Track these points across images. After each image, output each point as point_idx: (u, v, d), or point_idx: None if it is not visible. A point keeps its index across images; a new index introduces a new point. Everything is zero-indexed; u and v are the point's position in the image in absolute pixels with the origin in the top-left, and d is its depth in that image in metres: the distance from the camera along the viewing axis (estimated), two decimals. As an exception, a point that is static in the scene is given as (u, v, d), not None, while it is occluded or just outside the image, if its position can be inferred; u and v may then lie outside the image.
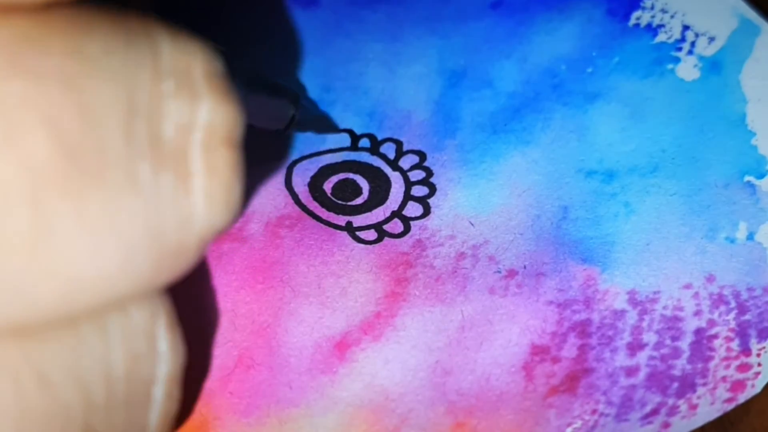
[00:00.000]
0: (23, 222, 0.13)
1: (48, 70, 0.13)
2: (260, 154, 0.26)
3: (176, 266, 0.15)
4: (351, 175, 0.26)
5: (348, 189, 0.26)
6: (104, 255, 0.13)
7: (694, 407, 0.21)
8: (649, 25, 0.28)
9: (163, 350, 0.17)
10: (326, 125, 0.26)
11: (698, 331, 0.22)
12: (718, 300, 0.23)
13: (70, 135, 0.13)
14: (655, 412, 0.21)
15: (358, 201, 0.25)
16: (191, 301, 0.23)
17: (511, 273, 0.24)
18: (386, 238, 0.25)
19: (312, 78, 0.28)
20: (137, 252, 0.14)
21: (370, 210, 0.25)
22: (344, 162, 0.26)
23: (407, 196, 0.25)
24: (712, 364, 0.22)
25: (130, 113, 0.13)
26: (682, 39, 0.27)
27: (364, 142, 0.26)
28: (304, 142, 0.26)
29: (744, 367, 0.22)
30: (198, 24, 0.29)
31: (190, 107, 0.14)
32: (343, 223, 0.25)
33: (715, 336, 0.22)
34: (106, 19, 0.13)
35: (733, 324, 0.22)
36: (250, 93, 0.23)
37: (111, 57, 0.13)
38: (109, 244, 0.13)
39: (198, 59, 0.14)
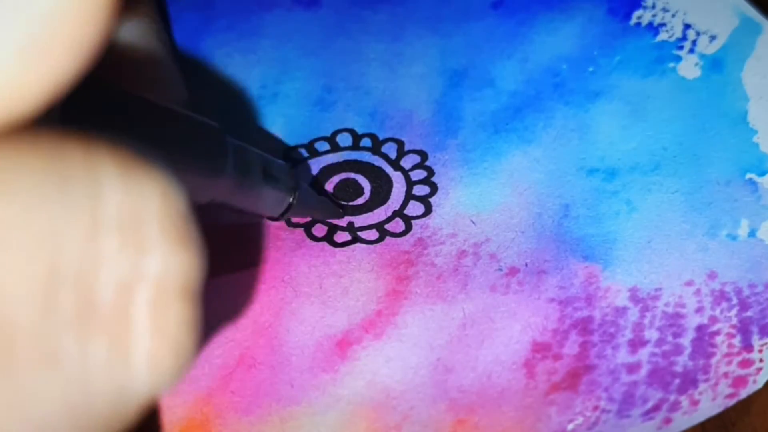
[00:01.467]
0: None
1: None
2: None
3: (113, 429, 0.13)
4: (352, 175, 0.26)
5: (349, 189, 0.26)
6: None
7: (695, 403, 0.21)
8: (650, 24, 0.28)
9: None
10: (324, 211, 0.25)
11: (700, 328, 0.22)
12: (720, 297, 0.23)
13: None
14: (656, 408, 0.21)
15: (360, 201, 0.25)
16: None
17: (513, 271, 0.24)
18: (388, 237, 0.25)
19: (314, 78, 0.28)
20: (54, 430, 0.12)
21: (371, 210, 0.25)
22: (346, 162, 0.26)
23: (409, 196, 0.25)
24: (713, 361, 0.22)
25: (52, 285, 0.11)
26: (684, 38, 0.27)
27: (366, 142, 0.26)
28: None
29: (746, 363, 0.22)
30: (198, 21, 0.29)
31: (136, 261, 0.12)
32: (344, 223, 0.25)
33: (717, 332, 0.22)
34: (36, 158, 0.11)
35: (734, 320, 0.22)
36: (247, 180, 0.22)
37: (32, 218, 0.11)
38: (16, 428, 0.12)
39: (154, 201, 0.12)
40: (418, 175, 0.26)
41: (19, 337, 0.11)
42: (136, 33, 0.20)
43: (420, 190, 0.25)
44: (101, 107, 0.16)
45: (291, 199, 0.23)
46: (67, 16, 0.11)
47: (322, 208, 0.25)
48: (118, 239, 0.12)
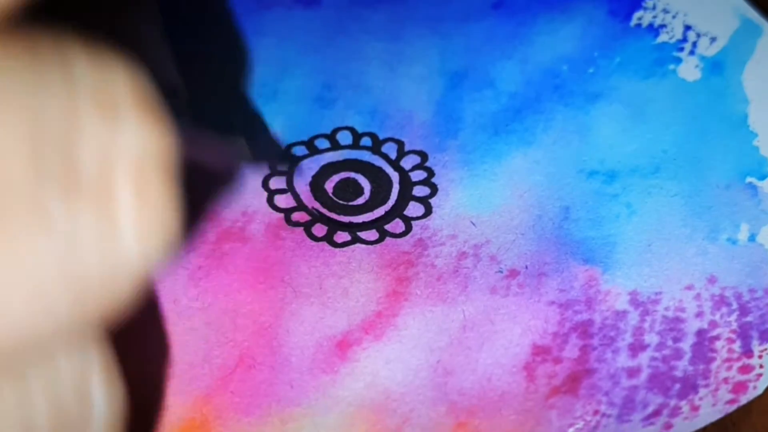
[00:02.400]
0: None
1: None
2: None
3: (108, 305, 0.13)
4: (352, 175, 0.26)
5: (349, 189, 0.26)
6: (10, 300, 0.12)
7: (696, 408, 0.21)
8: (650, 26, 0.28)
9: (98, 399, 0.16)
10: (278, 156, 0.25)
11: (700, 333, 0.22)
12: (720, 301, 0.23)
13: None
14: (657, 413, 0.21)
15: (360, 201, 0.25)
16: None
17: (513, 273, 0.24)
18: (387, 238, 0.25)
19: (314, 76, 0.28)
20: (51, 294, 0.12)
21: (371, 210, 0.25)
22: (346, 161, 0.26)
23: (408, 197, 0.25)
24: (713, 366, 0.22)
25: (37, 147, 0.12)
26: (684, 39, 0.27)
27: (366, 141, 0.26)
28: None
29: (746, 369, 0.22)
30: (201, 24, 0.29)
31: (112, 132, 0.13)
32: (344, 223, 0.25)
33: (717, 337, 0.22)
34: (7, 44, 0.12)
35: (734, 325, 0.22)
36: (199, 132, 0.22)
37: (11, 93, 0.12)
38: (15, 289, 0.12)
39: (121, 78, 0.13)
40: (418, 176, 0.26)
41: (11, 195, 0.12)
42: (129, 14, 0.21)
43: (420, 191, 0.25)
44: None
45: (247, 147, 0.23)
46: None
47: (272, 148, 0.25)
48: (94, 113, 0.12)
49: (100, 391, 0.16)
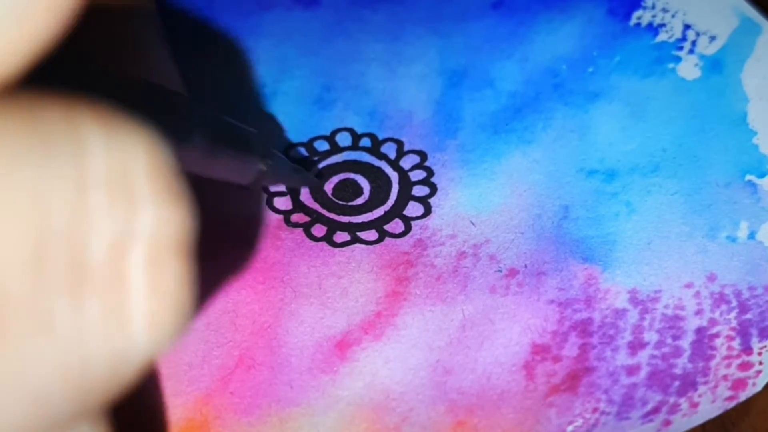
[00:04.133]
0: None
1: None
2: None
3: (113, 392, 0.13)
4: (352, 175, 0.26)
5: (349, 189, 0.26)
6: (10, 408, 0.12)
7: (695, 405, 0.21)
8: (650, 25, 0.28)
9: None
10: (298, 180, 0.25)
11: (699, 330, 0.22)
12: (720, 299, 0.23)
13: None
14: (656, 410, 0.21)
15: (359, 201, 0.25)
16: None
17: (512, 272, 0.24)
18: (387, 238, 0.25)
19: (313, 77, 0.28)
20: (53, 396, 0.12)
21: (371, 210, 0.25)
22: (345, 162, 0.26)
23: (408, 196, 0.25)
24: (713, 363, 0.22)
25: (41, 246, 0.11)
26: (683, 38, 0.27)
27: (365, 142, 0.26)
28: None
29: (745, 366, 0.22)
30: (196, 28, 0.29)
31: (127, 219, 0.12)
32: (344, 223, 0.25)
33: (717, 335, 0.22)
34: (16, 121, 0.11)
35: (734, 323, 0.22)
36: (216, 148, 0.21)
37: (14, 178, 0.11)
38: (12, 396, 0.11)
39: (140, 157, 0.12)
40: (417, 175, 0.26)
41: (11, 303, 0.11)
42: (128, 18, 0.20)
43: (419, 190, 0.25)
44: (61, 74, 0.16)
45: (262, 166, 0.22)
46: None
47: (297, 177, 0.25)
48: (108, 197, 0.12)
49: None
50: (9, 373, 0.11)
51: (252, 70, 0.28)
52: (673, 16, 0.28)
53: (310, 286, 0.24)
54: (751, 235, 0.24)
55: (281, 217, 0.25)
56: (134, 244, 0.12)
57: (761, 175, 0.25)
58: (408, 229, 0.25)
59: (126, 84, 0.19)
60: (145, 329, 0.12)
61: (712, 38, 0.27)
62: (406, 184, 0.26)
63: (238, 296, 0.24)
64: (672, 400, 0.21)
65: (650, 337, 0.22)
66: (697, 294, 0.23)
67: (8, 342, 0.11)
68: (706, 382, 0.21)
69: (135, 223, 0.12)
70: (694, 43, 0.27)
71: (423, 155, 0.26)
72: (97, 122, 0.12)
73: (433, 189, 0.25)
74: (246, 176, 0.22)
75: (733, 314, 0.22)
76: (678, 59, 0.27)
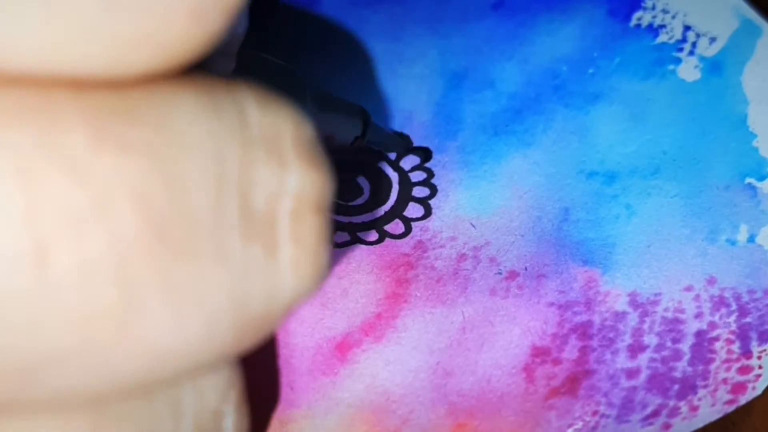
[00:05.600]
0: (112, 299, 0.12)
1: (134, 143, 0.12)
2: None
3: (258, 335, 0.14)
4: (352, 175, 0.26)
5: (349, 189, 0.26)
6: (190, 328, 0.13)
7: (695, 409, 0.21)
8: (650, 26, 0.28)
9: (228, 429, 0.17)
10: (395, 143, 0.26)
11: (699, 334, 0.22)
12: (719, 302, 0.23)
13: (159, 210, 0.12)
14: (655, 413, 0.21)
15: (359, 201, 0.25)
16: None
17: (512, 274, 0.24)
18: (387, 239, 0.25)
19: (313, 77, 0.28)
20: (222, 324, 0.13)
21: (370, 210, 0.25)
22: (345, 161, 0.26)
23: (408, 197, 0.25)
24: (712, 367, 0.22)
25: (220, 185, 0.13)
26: (683, 39, 0.27)
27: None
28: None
29: (745, 370, 0.22)
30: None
31: (280, 175, 0.14)
32: (344, 223, 0.25)
33: (716, 338, 0.22)
34: (191, 87, 0.13)
35: (733, 326, 0.22)
36: (321, 112, 0.23)
37: (198, 127, 0.13)
38: (195, 318, 0.13)
39: (287, 125, 0.14)
40: (417, 176, 0.26)
41: (199, 228, 0.13)
42: None
43: (420, 191, 0.25)
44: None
45: (363, 126, 0.25)
46: None
47: (390, 140, 0.26)
48: (265, 155, 0.13)
49: (231, 420, 0.17)
50: (192, 293, 0.13)
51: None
52: (673, 17, 0.28)
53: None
54: (751, 239, 0.24)
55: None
56: (284, 199, 0.14)
57: (761, 178, 0.25)
58: (408, 230, 0.25)
59: (254, 60, 0.22)
60: (291, 274, 0.14)
61: (712, 40, 0.27)
62: (406, 184, 0.26)
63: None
64: (672, 403, 0.21)
65: (650, 340, 0.22)
66: (697, 297, 0.23)
67: (196, 266, 0.13)
68: (705, 386, 0.22)
69: (285, 180, 0.14)
70: (694, 44, 0.27)
71: (423, 156, 0.26)
72: (253, 96, 0.13)
73: (434, 190, 0.25)
74: (348, 136, 0.25)
75: (732, 318, 0.22)
76: (678, 61, 0.27)
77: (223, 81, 0.13)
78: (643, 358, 0.22)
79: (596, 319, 0.23)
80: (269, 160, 0.13)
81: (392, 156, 0.26)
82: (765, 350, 0.22)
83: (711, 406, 0.21)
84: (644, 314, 0.23)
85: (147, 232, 0.12)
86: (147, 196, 0.12)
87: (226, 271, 0.13)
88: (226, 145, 0.13)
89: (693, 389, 0.22)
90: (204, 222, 0.13)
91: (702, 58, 0.27)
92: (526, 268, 0.24)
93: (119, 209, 0.12)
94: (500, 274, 0.24)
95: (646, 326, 0.23)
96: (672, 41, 0.27)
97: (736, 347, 0.22)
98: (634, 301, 0.23)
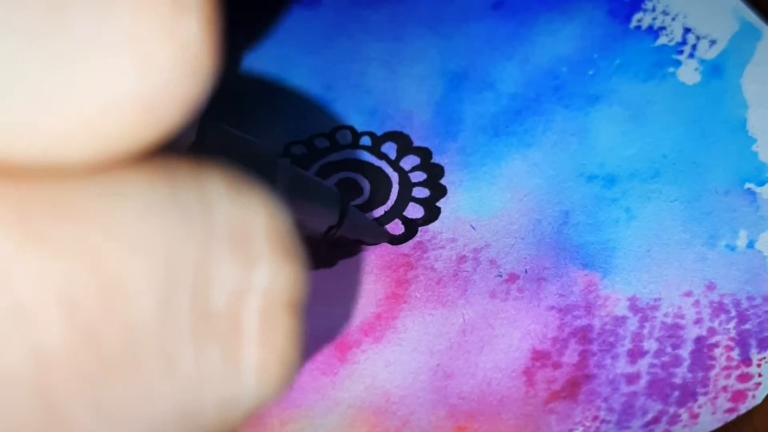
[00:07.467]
0: (34, 415, 0.11)
1: (65, 241, 0.11)
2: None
3: None
4: (351, 174, 0.26)
5: (348, 189, 0.26)
6: None
7: (695, 417, 0.21)
8: (650, 28, 0.28)
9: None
10: (375, 234, 0.25)
11: (699, 340, 0.22)
12: (719, 308, 0.23)
13: (91, 316, 0.11)
14: (656, 420, 0.21)
15: (359, 201, 0.25)
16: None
17: (512, 277, 0.24)
18: (387, 239, 0.25)
19: (314, 77, 0.28)
20: None
21: (370, 210, 0.25)
22: (345, 160, 0.26)
23: (408, 198, 0.25)
24: (712, 374, 0.22)
25: (170, 288, 0.12)
26: (684, 42, 0.27)
27: (366, 140, 0.26)
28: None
29: (744, 377, 0.22)
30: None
31: (246, 271, 0.12)
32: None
33: (716, 345, 0.22)
34: (148, 175, 0.12)
35: (733, 333, 0.22)
36: (292, 196, 0.22)
37: (147, 222, 0.11)
38: (132, 427, 0.12)
39: (258, 216, 0.13)
40: (417, 177, 0.26)
41: (141, 338, 0.12)
42: None
43: (419, 192, 0.25)
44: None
45: (339, 214, 0.23)
46: (182, 78, 0.11)
47: (371, 231, 0.25)
48: (229, 250, 0.12)
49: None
50: (133, 403, 0.12)
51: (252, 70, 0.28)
52: (673, 19, 0.28)
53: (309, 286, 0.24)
54: (750, 244, 0.24)
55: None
56: (251, 297, 0.12)
57: (760, 183, 0.25)
58: (412, 233, 0.25)
59: (218, 134, 0.20)
60: (255, 378, 0.13)
61: (712, 42, 0.27)
62: (406, 185, 0.26)
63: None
64: (672, 410, 0.21)
65: (650, 345, 0.22)
66: (697, 303, 0.23)
67: (134, 379, 0.12)
68: (705, 393, 0.22)
69: (252, 277, 0.12)
70: (694, 47, 0.27)
71: (424, 157, 0.26)
72: (221, 181, 0.12)
73: (434, 191, 0.25)
74: (321, 225, 0.23)
75: (732, 324, 0.23)
76: (678, 63, 0.27)
77: (189, 164, 0.12)
78: (643, 364, 0.22)
79: (596, 323, 0.23)
80: (234, 255, 0.12)
81: (392, 156, 0.26)
82: (764, 358, 0.22)
83: (711, 414, 0.21)
84: (644, 319, 0.23)
85: (75, 342, 0.11)
86: (76, 302, 0.11)
87: (173, 381, 0.12)
88: (181, 242, 0.12)
89: (693, 396, 0.22)
90: (146, 329, 0.12)
91: (702, 61, 0.27)
92: (526, 271, 0.24)
93: (44, 316, 0.11)
94: (500, 276, 0.24)
95: (646, 331, 0.23)
96: (672, 43, 0.27)
97: (735, 354, 0.22)
98: (634, 306, 0.23)
